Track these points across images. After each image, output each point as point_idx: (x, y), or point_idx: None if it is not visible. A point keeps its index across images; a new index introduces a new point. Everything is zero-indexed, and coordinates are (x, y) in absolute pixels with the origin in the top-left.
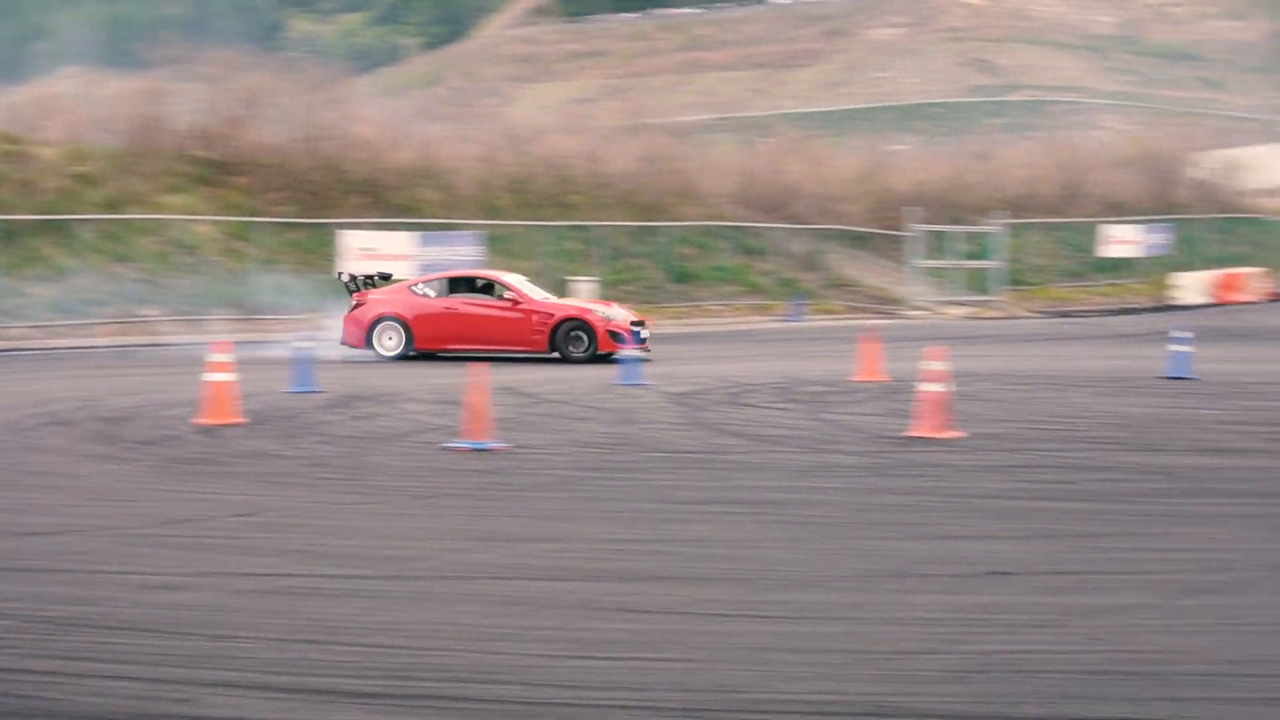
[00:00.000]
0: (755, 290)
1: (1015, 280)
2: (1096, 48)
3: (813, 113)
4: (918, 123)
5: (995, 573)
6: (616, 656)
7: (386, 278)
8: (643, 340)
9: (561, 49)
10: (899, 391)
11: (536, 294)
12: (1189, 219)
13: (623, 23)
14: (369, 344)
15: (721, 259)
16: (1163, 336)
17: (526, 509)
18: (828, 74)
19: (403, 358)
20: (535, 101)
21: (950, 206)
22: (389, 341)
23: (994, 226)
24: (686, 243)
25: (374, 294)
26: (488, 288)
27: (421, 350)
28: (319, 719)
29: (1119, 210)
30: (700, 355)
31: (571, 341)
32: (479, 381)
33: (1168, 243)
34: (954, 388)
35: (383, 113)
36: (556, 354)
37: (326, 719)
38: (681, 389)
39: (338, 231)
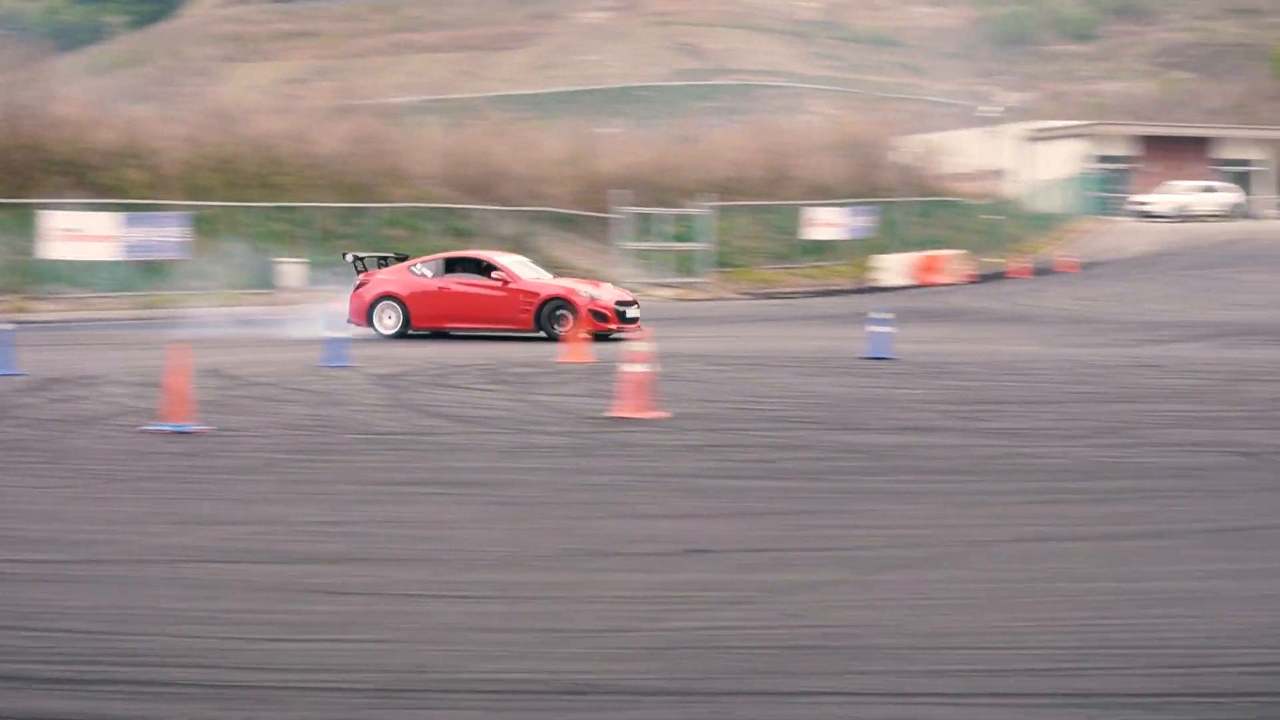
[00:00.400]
0: None
1: (722, 262)
2: (801, 33)
3: (521, 95)
4: (626, 106)
5: (693, 550)
6: (313, 638)
7: (403, 258)
8: (632, 320)
9: (271, 29)
10: (604, 372)
11: (527, 274)
12: (891, 202)
13: (333, 2)
14: (369, 322)
15: (430, 241)
16: (864, 318)
17: (226, 492)
18: (536, 57)
19: (400, 336)
20: (244, 81)
21: (657, 189)
22: (388, 320)
23: (701, 209)
24: (395, 224)
25: (379, 274)
26: (484, 268)
27: (419, 329)
28: (8, 705)
29: (823, 193)
30: (409, 336)
31: (556, 320)
32: (180, 364)
33: (870, 225)
34: (658, 368)
35: (87, 92)
36: (543, 333)
37: (16, 706)
38: (387, 371)
39: (39, 212)
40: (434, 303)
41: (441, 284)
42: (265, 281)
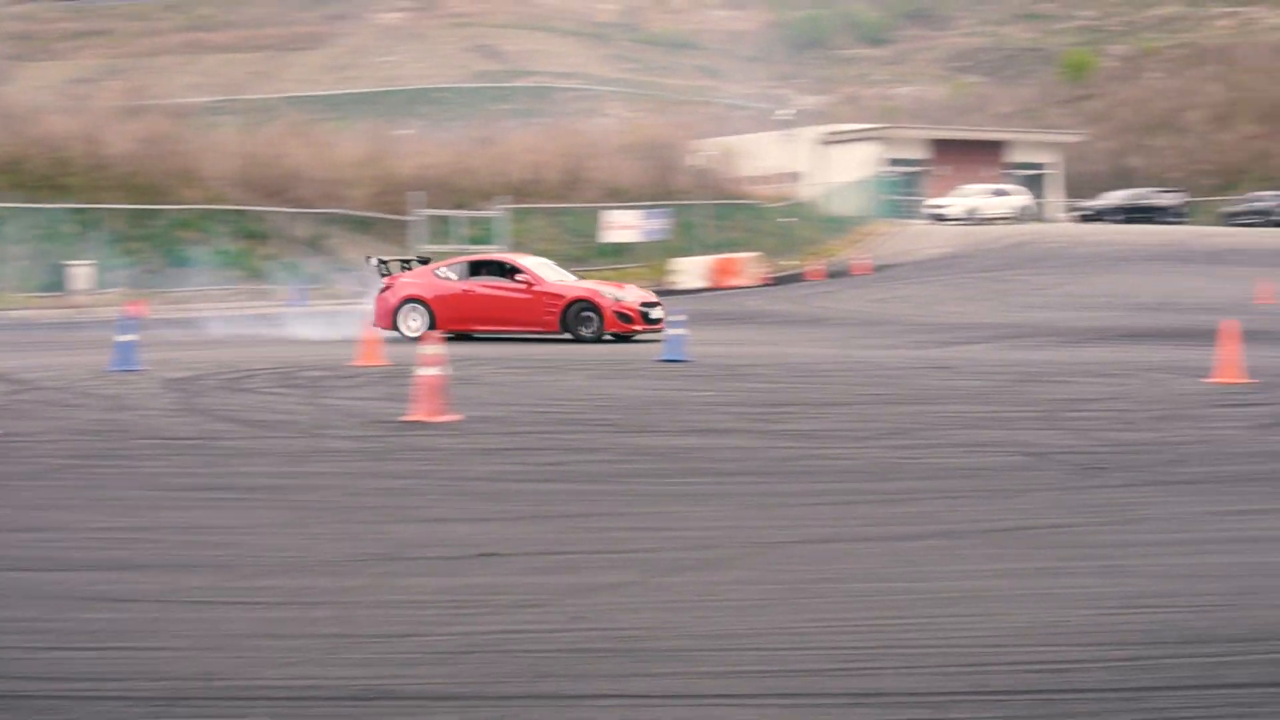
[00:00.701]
0: (257, 275)
1: None
2: (599, 35)
3: (317, 96)
4: (423, 108)
5: (484, 554)
6: (96, 646)
7: (425, 261)
8: (655, 321)
9: (60, 27)
10: (398, 376)
11: (552, 276)
12: (687, 205)
13: (123, 1)
14: (394, 325)
15: (223, 243)
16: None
17: (10, 498)
18: (332, 58)
19: None
20: (32, 81)
21: (454, 191)
22: (413, 323)
23: (497, 211)
24: (187, 226)
25: (403, 277)
26: (509, 270)
27: (445, 331)
28: None
29: (620, 196)
30: (200, 340)
31: (582, 322)
32: None
33: (667, 228)
34: (452, 372)
35: None
36: (568, 335)
37: None
38: (178, 375)
39: None
40: (459, 305)
41: (466, 287)
42: (55, 284)
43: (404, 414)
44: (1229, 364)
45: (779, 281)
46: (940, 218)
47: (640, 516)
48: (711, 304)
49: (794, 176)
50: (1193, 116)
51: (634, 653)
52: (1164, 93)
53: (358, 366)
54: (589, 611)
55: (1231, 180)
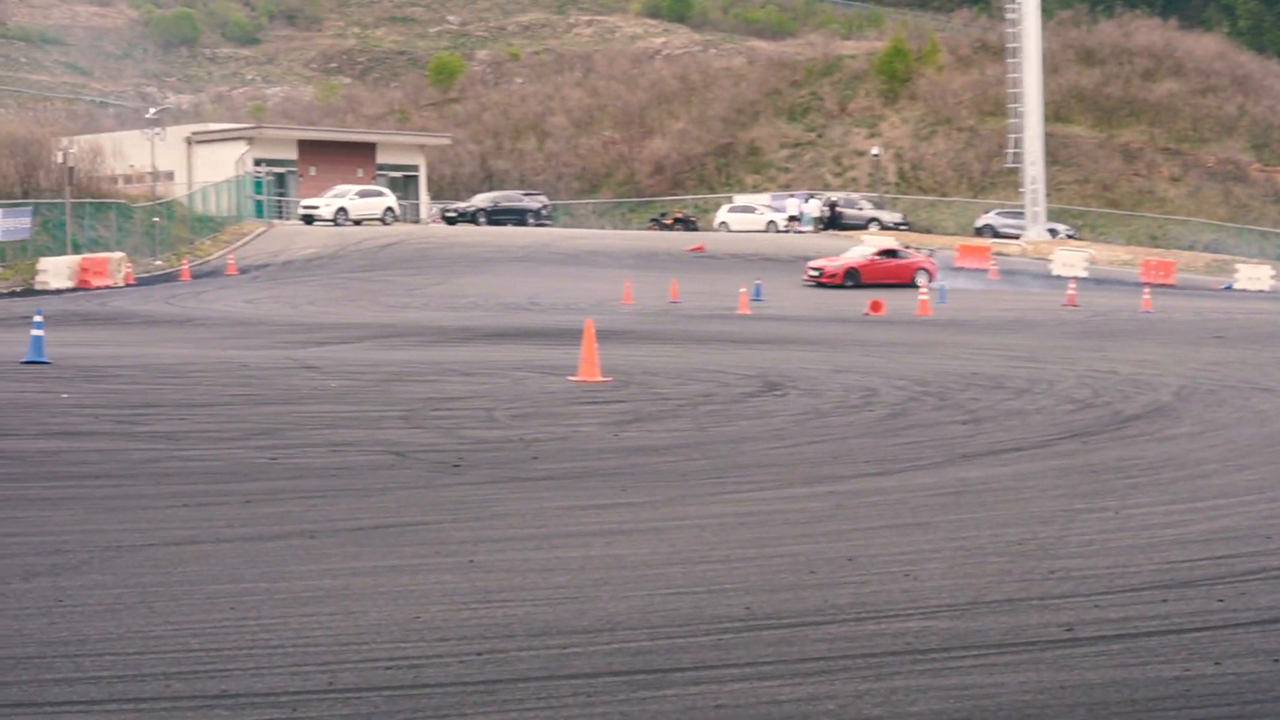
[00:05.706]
0: None
1: None
2: None
3: None
4: None
5: None
6: None
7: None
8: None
9: None
10: None
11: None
12: (53, 203)
13: None
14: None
15: None
16: (29, 321)
17: None
18: None
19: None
20: None
21: None
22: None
23: None
24: None
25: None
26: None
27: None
28: None
29: None
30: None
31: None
32: None
33: (29, 227)
34: None
35: None
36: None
37: None
38: None
39: None
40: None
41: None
42: None
43: None
44: (588, 363)
45: (145, 281)
46: (311, 218)
47: None
48: (77, 304)
49: (163, 175)
50: (556, 121)
51: None
52: (528, 97)
53: None
54: None
55: (594, 183)
